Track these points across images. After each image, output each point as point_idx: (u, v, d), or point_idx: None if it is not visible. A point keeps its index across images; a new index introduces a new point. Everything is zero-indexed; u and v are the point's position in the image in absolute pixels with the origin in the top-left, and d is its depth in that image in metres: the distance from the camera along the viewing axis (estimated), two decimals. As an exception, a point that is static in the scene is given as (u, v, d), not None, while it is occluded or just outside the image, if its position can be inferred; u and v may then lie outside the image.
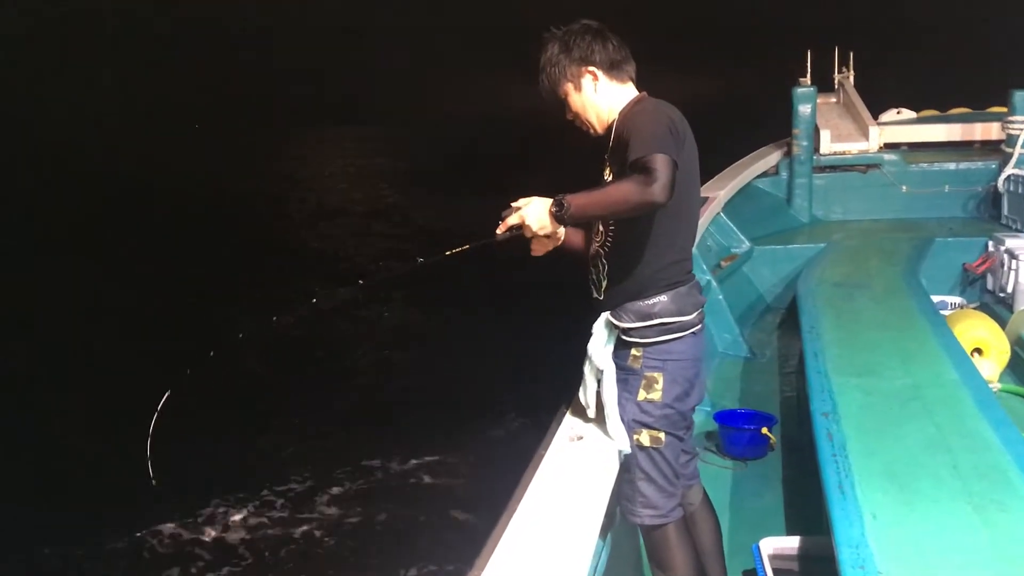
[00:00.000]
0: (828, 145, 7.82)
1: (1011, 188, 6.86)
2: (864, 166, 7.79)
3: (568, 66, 2.73)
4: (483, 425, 7.82)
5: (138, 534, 6.30)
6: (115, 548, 6.21)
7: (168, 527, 6.39)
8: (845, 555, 2.31)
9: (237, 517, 6.58)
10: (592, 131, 2.81)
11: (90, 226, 13.62)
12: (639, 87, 2.80)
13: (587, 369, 2.80)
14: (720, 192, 6.44)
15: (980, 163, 7.51)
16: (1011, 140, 7.00)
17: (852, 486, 2.65)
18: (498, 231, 2.59)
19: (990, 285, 6.14)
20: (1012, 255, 5.80)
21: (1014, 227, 6.73)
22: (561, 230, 2.72)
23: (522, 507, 2.39)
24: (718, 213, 6.42)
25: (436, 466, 7.20)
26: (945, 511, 2.49)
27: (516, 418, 7.84)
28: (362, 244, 14.10)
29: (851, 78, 8.75)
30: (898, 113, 8.95)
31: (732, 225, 6.64)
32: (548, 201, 2.50)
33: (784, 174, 7.71)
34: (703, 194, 5.83)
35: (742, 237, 6.68)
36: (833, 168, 7.80)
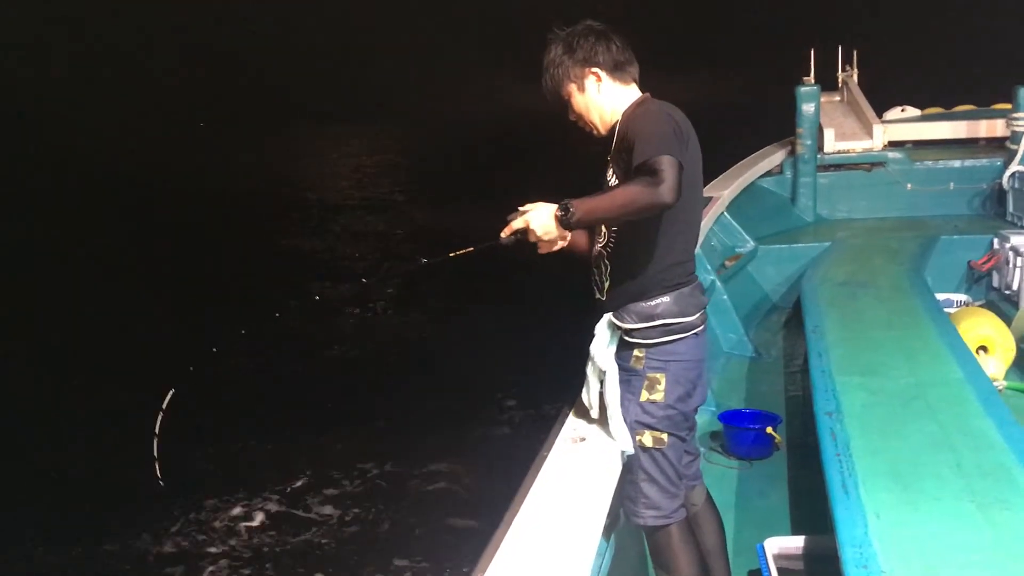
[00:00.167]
0: (832, 144, 7.81)
1: (1016, 185, 6.84)
2: (868, 164, 7.77)
3: (572, 67, 2.73)
4: (484, 426, 7.80)
5: (137, 534, 6.29)
6: (114, 548, 6.20)
7: (168, 527, 6.37)
8: (848, 554, 2.31)
9: (236, 517, 6.56)
10: (595, 132, 2.81)
11: (90, 226, 13.62)
12: (642, 88, 2.80)
13: (590, 370, 2.80)
14: (724, 192, 6.44)
15: (985, 160, 7.48)
16: (1016, 137, 6.97)
17: (856, 485, 2.66)
18: (503, 234, 2.59)
19: (996, 283, 6.12)
20: (1017, 252, 5.78)
21: (1019, 224, 6.71)
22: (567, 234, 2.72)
23: (525, 508, 2.40)
24: (722, 213, 6.41)
25: (437, 467, 7.17)
26: (949, 510, 2.49)
27: (518, 419, 7.83)
28: (363, 244, 14.08)
29: (855, 76, 8.73)
30: (902, 111, 8.92)
31: (736, 225, 6.63)
32: (553, 207, 2.50)
33: (788, 173, 7.69)
34: (706, 194, 5.83)
35: (746, 236, 6.67)
36: (837, 167, 7.79)
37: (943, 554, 2.29)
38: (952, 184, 7.47)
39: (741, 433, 4.35)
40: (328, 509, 6.67)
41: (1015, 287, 5.79)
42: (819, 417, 3.24)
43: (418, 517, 6.53)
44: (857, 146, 7.85)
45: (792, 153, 7.65)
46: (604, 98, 2.75)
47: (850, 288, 5.19)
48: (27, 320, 10.13)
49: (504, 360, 8.70)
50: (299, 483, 7.00)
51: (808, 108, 7.47)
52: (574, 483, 2.55)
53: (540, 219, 2.50)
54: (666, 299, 2.66)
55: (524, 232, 2.54)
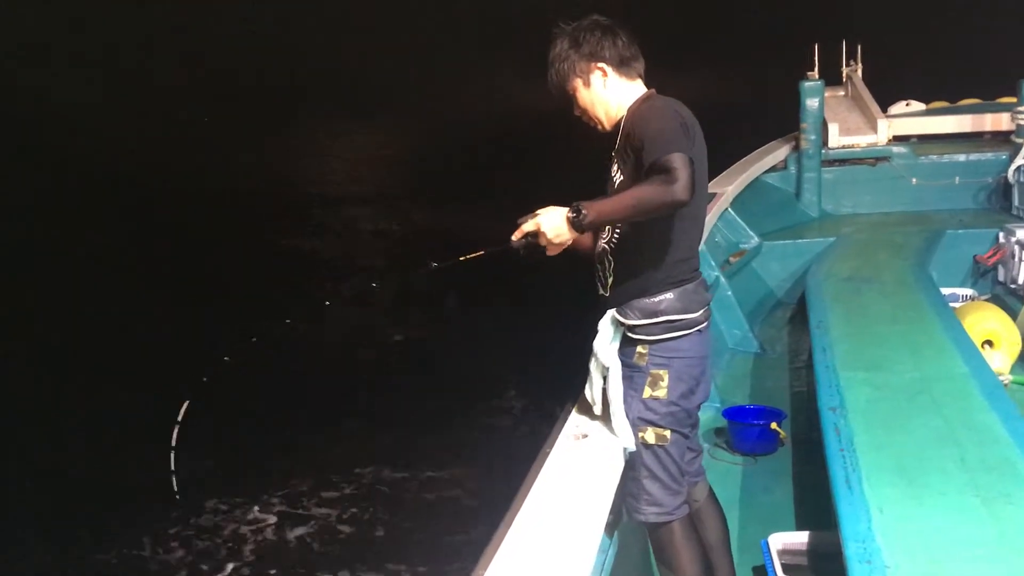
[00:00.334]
0: (836, 139, 7.78)
1: (1022, 179, 6.82)
2: (873, 159, 7.75)
3: (577, 61, 2.72)
4: (486, 426, 7.81)
5: (137, 535, 6.30)
6: (114, 549, 6.21)
7: (167, 528, 6.38)
8: (852, 550, 2.30)
9: (236, 519, 6.57)
10: (600, 127, 2.80)
11: (90, 226, 13.60)
12: (647, 84, 2.79)
13: (593, 366, 2.80)
14: (728, 188, 6.42)
15: (990, 154, 7.46)
16: (1021, 131, 6.96)
17: (859, 481, 2.65)
18: (513, 237, 2.58)
19: (1001, 277, 6.10)
20: (1023, 246, 5.77)
21: (1025, 218, 6.69)
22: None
23: (527, 505, 2.39)
24: (726, 209, 6.40)
25: (437, 468, 7.18)
26: (953, 505, 2.48)
27: (519, 419, 7.83)
28: (365, 244, 14.06)
29: (859, 71, 8.71)
30: (907, 105, 8.91)
31: (740, 221, 6.62)
32: (564, 210, 2.48)
33: (792, 169, 7.68)
34: (710, 190, 5.80)
35: (751, 232, 6.66)
36: (842, 162, 7.76)
37: (947, 548, 2.28)
38: (957, 178, 7.45)
39: (745, 429, 4.34)
40: (327, 511, 6.67)
41: (1021, 281, 5.78)
42: (823, 412, 3.24)
43: (419, 520, 6.54)
44: (862, 141, 7.83)
45: (796, 148, 7.63)
46: (609, 93, 2.74)
47: (855, 283, 5.18)
48: (27, 320, 10.13)
49: (505, 359, 8.71)
50: (299, 485, 7.00)
51: (812, 103, 7.46)
52: (576, 480, 2.55)
53: (551, 222, 2.48)
54: (670, 295, 2.66)
55: (535, 235, 2.52)
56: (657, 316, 2.65)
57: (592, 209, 2.44)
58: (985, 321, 4.66)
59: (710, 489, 2.99)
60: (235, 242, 12.93)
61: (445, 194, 15.32)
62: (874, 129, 7.86)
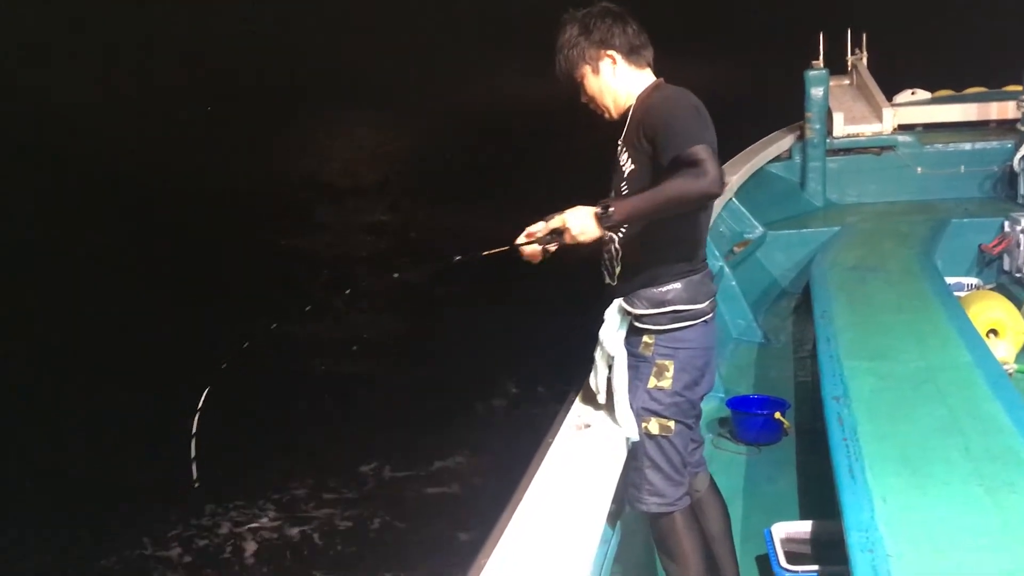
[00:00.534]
0: (841, 128, 7.75)
1: (1027, 167, 6.79)
2: (878, 148, 7.72)
3: (587, 48, 2.70)
4: (485, 422, 7.82)
5: (136, 535, 6.30)
6: (114, 549, 6.21)
7: (167, 528, 6.38)
8: (855, 539, 2.30)
9: (235, 520, 6.55)
10: (607, 115, 2.79)
11: (90, 226, 13.59)
12: (655, 73, 2.78)
13: (598, 354, 2.79)
14: (732, 177, 6.39)
15: (996, 143, 7.42)
16: (1027, 119, 6.91)
17: (863, 470, 2.64)
18: (539, 233, 2.57)
19: (1007, 266, 6.08)
20: (1029, 235, 5.75)
21: (1031, 207, 6.66)
22: None
23: (529, 495, 2.39)
24: (731, 198, 6.38)
25: (438, 466, 7.19)
26: (957, 494, 2.48)
27: (518, 412, 7.82)
28: (367, 241, 14.01)
29: (864, 60, 8.67)
30: (912, 94, 8.85)
31: (745, 210, 6.60)
32: (591, 208, 2.47)
33: (797, 158, 7.65)
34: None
35: (755, 222, 6.63)
36: (847, 151, 7.73)
37: (950, 537, 2.27)
38: (963, 167, 7.41)
39: (749, 419, 4.34)
40: (326, 511, 6.67)
41: (1026, 270, 5.75)
42: (827, 402, 3.23)
43: (419, 517, 6.54)
44: (867, 130, 7.79)
45: (801, 138, 7.60)
46: (618, 81, 2.72)
47: (859, 272, 5.16)
48: (27, 320, 10.13)
49: (504, 353, 8.69)
50: (298, 484, 7.00)
51: (817, 92, 7.42)
52: (579, 470, 2.55)
53: (578, 218, 2.46)
54: (677, 286, 2.65)
55: (560, 232, 2.51)
56: (664, 306, 2.65)
57: (620, 207, 2.43)
58: (990, 310, 4.64)
59: (711, 479, 2.99)
60: (235, 242, 12.91)
61: (445, 194, 15.27)
62: (879, 118, 7.83)
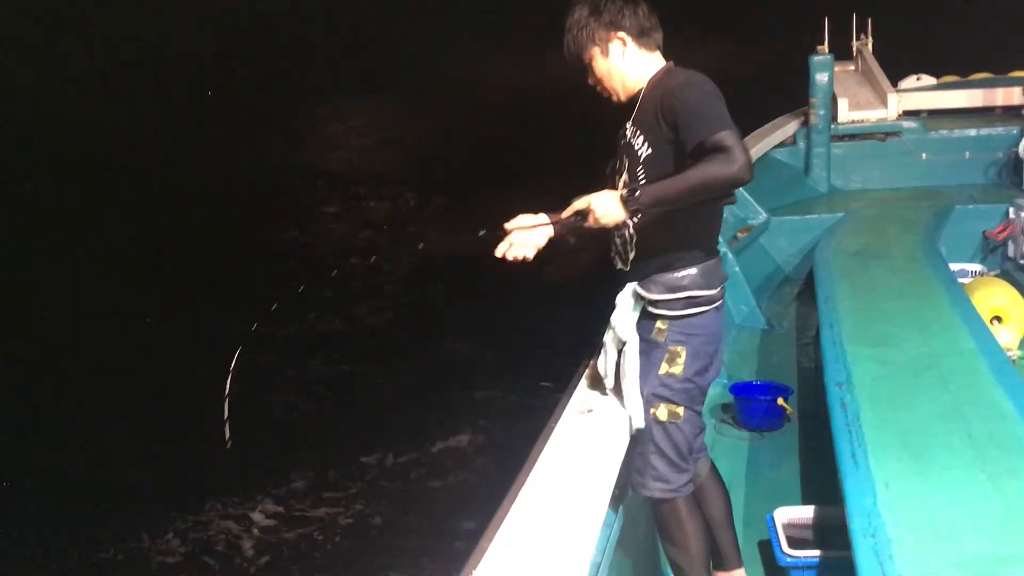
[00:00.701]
0: (846, 114, 7.73)
1: (1033, 154, 6.77)
2: (883, 134, 7.70)
3: (597, 30, 2.68)
4: (487, 408, 7.82)
5: (136, 534, 6.27)
6: (114, 549, 6.18)
7: (167, 527, 6.36)
8: (857, 524, 2.30)
9: (236, 516, 6.53)
10: (615, 98, 2.76)
11: (90, 225, 13.54)
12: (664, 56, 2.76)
13: (608, 338, 2.77)
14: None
15: (1001, 129, 7.40)
16: (1032, 105, 6.90)
17: (865, 455, 2.64)
18: (563, 215, 2.56)
19: (1011, 252, 6.07)
20: (1033, 222, 5.73)
21: (1035, 193, 6.64)
22: None
23: (531, 479, 2.40)
24: (734, 184, 6.35)
25: (438, 459, 7.20)
26: (959, 480, 2.48)
27: (517, 408, 7.80)
28: (369, 237, 13.97)
29: (869, 45, 8.63)
30: (918, 80, 8.82)
31: (748, 196, 6.58)
32: (617, 192, 2.47)
33: (801, 144, 7.62)
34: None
35: (759, 208, 6.62)
36: (851, 137, 7.71)
37: (952, 523, 2.28)
38: (967, 153, 7.40)
39: (752, 405, 4.35)
40: (328, 506, 6.65)
41: (1030, 257, 5.74)
42: (829, 388, 3.23)
43: (419, 512, 6.53)
44: (871, 116, 7.77)
45: (805, 123, 7.57)
46: (628, 64, 2.69)
47: (863, 259, 5.15)
48: (27, 320, 10.09)
49: (504, 344, 8.68)
50: (298, 478, 6.96)
51: (822, 78, 7.39)
52: (582, 455, 2.55)
53: (604, 200, 2.46)
54: (693, 271, 2.64)
55: (584, 214, 2.50)
56: (680, 291, 2.64)
57: (647, 191, 2.42)
58: (994, 297, 4.63)
59: (712, 464, 2.99)
60: (235, 242, 12.86)
61: (456, 183, 15.21)
62: (884, 104, 7.81)
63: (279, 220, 14.19)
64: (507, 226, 2.63)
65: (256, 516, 6.55)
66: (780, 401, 4.28)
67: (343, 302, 10.64)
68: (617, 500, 2.76)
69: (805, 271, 6.25)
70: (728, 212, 6.28)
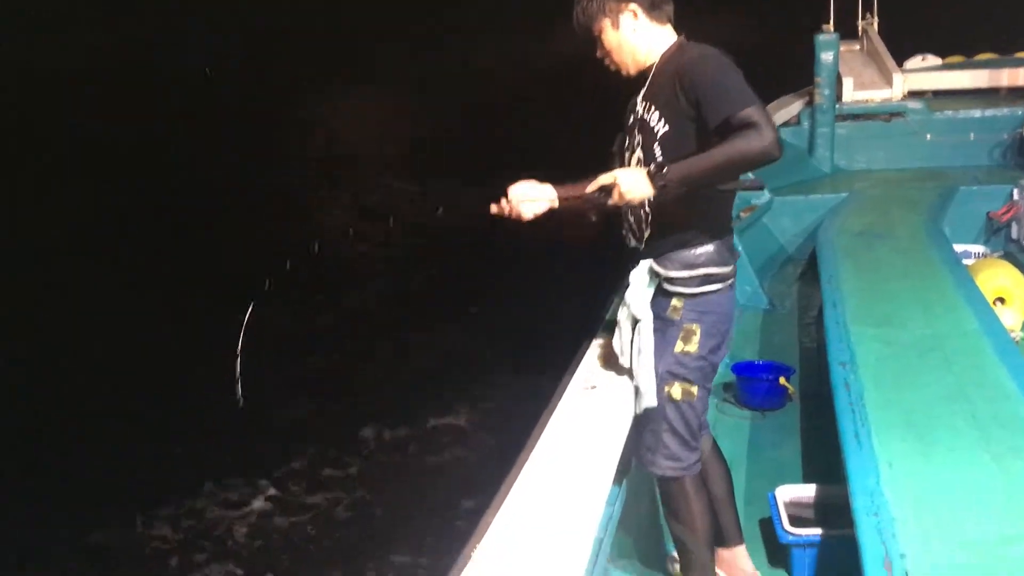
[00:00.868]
0: (851, 94, 7.69)
1: (1038, 135, 6.75)
2: (888, 115, 7.66)
3: (607, 1, 2.63)
4: (485, 388, 7.82)
5: (136, 534, 6.30)
6: (113, 549, 6.22)
7: (167, 526, 6.39)
8: (860, 503, 2.31)
9: (234, 503, 6.54)
10: (624, 71, 2.72)
11: (90, 225, 13.48)
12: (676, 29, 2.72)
13: (623, 315, 2.75)
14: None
15: (1006, 110, 7.38)
16: (1038, 86, 6.87)
17: (868, 435, 2.64)
18: (588, 189, 2.53)
19: (1015, 234, 6.06)
20: (1037, 203, 5.72)
21: (1040, 175, 6.62)
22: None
23: (535, 454, 2.40)
24: (737, 163, 6.33)
25: (438, 428, 7.21)
26: (962, 460, 2.48)
27: (514, 403, 7.80)
28: (372, 231, 13.91)
29: (875, 24, 8.58)
30: (923, 60, 8.79)
31: (752, 175, 6.55)
32: (643, 169, 2.44)
33: (805, 124, 7.59)
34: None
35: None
36: (856, 117, 7.68)
37: (955, 502, 2.28)
38: (972, 134, 7.37)
39: (754, 384, 4.35)
40: (327, 493, 6.65)
41: (1034, 238, 5.74)
42: (833, 368, 3.23)
43: (419, 491, 6.55)
44: (876, 96, 7.73)
45: (810, 103, 7.54)
46: (639, 37, 2.64)
47: (867, 239, 5.14)
48: (27, 320, 10.03)
49: (503, 334, 8.66)
50: (296, 464, 6.96)
51: (827, 57, 7.34)
52: (586, 431, 2.55)
53: (630, 176, 2.43)
54: (709, 248, 2.61)
55: (609, 189, 2.47)
56: (696, 268, 2.62)
57: (675, 168, 2.38)
58: (997, 278, 4.63)
59: (714, 442, 2.99)
60: (235, 242, 12.79)
61: (456, 168, 15.13)
62: (889, 84, 7.76)
63: (279, 220, 14.13)
64: (510, 191, 2.64)
65: (256, 503, 6.57)
66: (782, 380, 4.28)
67: (341, 285, 10.62)
68: (620, 476, 2.76)
69: (808, 251, 6.24)
70: (732, 191, 6.30)
